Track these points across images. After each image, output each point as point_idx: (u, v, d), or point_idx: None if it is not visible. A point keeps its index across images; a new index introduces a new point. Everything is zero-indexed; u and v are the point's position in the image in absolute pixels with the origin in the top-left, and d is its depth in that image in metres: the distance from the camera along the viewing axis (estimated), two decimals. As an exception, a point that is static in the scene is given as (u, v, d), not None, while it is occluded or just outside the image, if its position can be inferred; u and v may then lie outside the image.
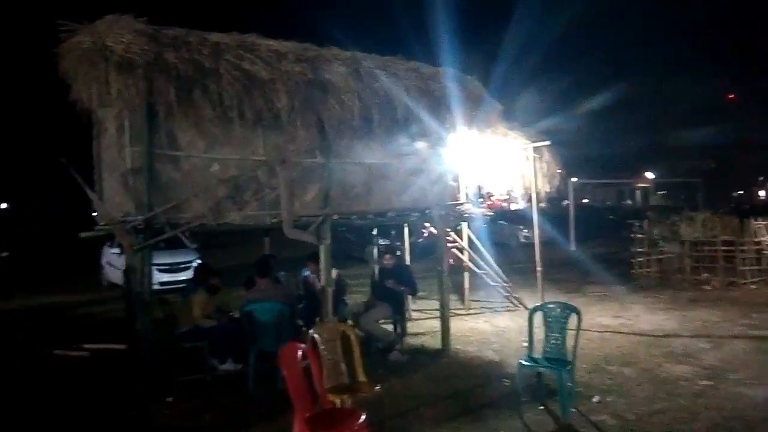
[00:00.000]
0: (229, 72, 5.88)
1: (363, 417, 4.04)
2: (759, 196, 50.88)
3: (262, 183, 6.24)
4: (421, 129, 6.81)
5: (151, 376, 5.76)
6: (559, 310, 5.56)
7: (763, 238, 11.86)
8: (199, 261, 11.87)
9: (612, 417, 5.06)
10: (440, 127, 6.90)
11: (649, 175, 45.84)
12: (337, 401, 4.56)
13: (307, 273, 7.76)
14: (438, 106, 6.85)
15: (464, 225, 9.68)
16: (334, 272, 7.07)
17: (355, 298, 9.19)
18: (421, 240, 14.17)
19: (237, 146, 6.24)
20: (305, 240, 6.32)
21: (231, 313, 7.24)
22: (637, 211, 24.42)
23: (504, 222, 22.07)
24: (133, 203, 5.73)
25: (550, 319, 5.56)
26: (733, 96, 53.04)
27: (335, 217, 6.48)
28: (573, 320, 5.40)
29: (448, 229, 8.90)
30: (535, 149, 8.22)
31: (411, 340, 7.93)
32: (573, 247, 19.91)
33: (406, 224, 9.14)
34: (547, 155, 8.48)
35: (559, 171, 9.36)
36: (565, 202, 23.53)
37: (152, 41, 5.56)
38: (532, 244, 9.79)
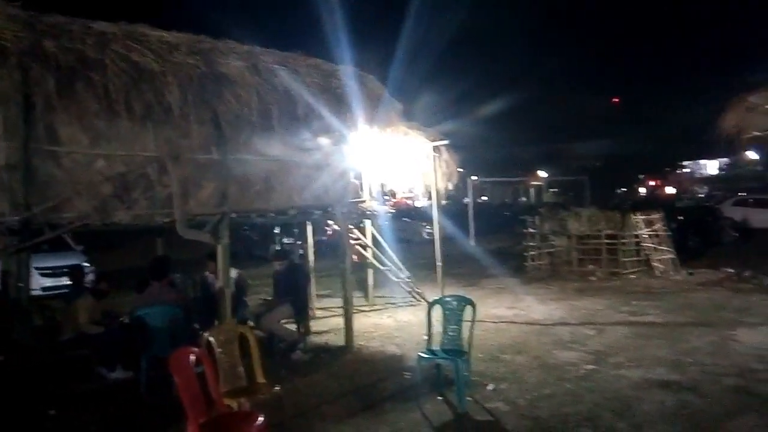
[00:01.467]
0: (116, 63, 5.53)
1: (261, 419, 3.95)
2: (639, 193, 55.43)
3: (153, 180, 5.93)
4: (322, 126, 6.76)
5: (31, 388, 5.31)
6: (455, 303, 5.73)
7: (641, 232, 12.91)
8: (86, 264, 11.11)
9: (505, 403, 5.30)
10: (341, 125, 6.89)
11: (542, 173, 48.53)
12: (235, 405, 4.44)
13: (205, 274, 7.49)
14: (338, 103, 6.84)
15: (368, 222, 9.77)
16: (233, 272, 6.88)
17: (258, 298, 9.00)
18: (325, 238, 14.14)
19: (124, 141, 5.87)
20: (201, 240, 6.08)
21: (121, 318, 6.84)
22: (531, 208, 25.75)
23: (408, 219, 22.53)
24: (7, 203, 5.25)
25: (447, 312, 5.73)
26: (617, 100, 57.39)
27: (233, 215, 6.29)
28: (470, 312, 5.60)
29: (352, 227, 8.93)
30: (435, 148, 8.44)
31: (315, 339, 7.89)
32: (472, 242, 20.65)
33: (309, 222, 9.06)
34: (445, 154, 8.73)
35: (461, 170, 9.67)
36: (466, 200, 24.37)
37: (28, 28, 5.12)
38: (433, 241, 10.05)
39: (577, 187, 36.25)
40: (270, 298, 7.64)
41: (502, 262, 14.66)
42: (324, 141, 6.91)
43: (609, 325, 8.16)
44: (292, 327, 7.46)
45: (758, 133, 12.55)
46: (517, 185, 52.86)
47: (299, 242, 9.24)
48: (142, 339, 5.95)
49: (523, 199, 51.26)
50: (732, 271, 12.36)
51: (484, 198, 51.52)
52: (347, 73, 7.02)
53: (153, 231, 7.38)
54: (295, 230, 8.89)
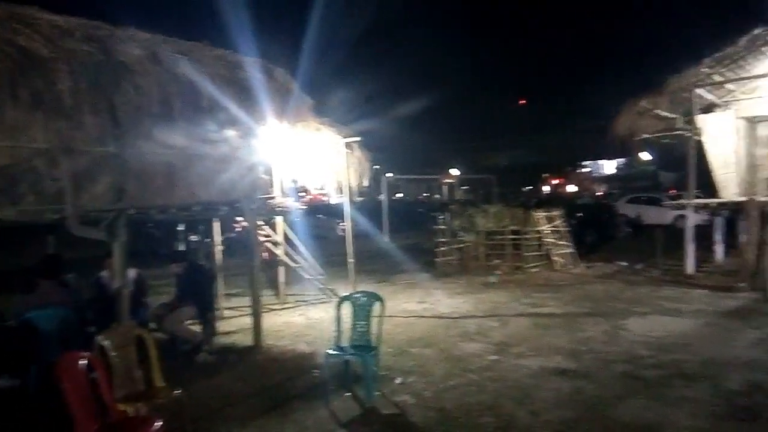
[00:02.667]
0: (0, 47, 5.11)
1: (158, 424, 3.79)
2: (543, 191, 58.28)
3: (42, 174, 5.51)
4: (228, 118, 6.56)
5: None
6: (365, 299, 5.76)
7: (543, 228, 13.55)
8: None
9: (412, 396, 5.38)
10: (249, 118, 6.72)
11: (455, 171, 49.86)
12: (130, 410, 4.22)
13: (101, 274, 7.05)
14: (245, 95, 6.66)
15: (279, 219, 9.61)
16: (132, 272, 6.54)
17: (161, 299, 8.61)
18: (233, 235, 13.77)
19: (9, 132, 5.42)
20: (96, 237, 5.73)
21: (7, 322, 6.30)
22: (443, 205, 26.42)
23: (322, 216, 22.39)
24: None
25: (356, 308, 5.74)
26: (523, 101, 60.01)
27: (132, 212, 5.97)
28: (379, 308, 5.64)
29: (262, 224, 8.75)
30: (347, 145, 8.43)
31: (221, 340, 7.65)
32: (386, 238, 20.88)
33: (215, 219, 8.77)
34: (358, 151, 8.75)
35: (377, 167, 9.71)
36: (381, 197, 24.57)
37: None
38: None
39: (487, 185, 37.56)
40: (172, 299, 7.32)
41: (414, 258, 14.93)
42: (230, 134, 6.70)
43: (512, 317, 8.50)
44: (197, 328, 7.19)
45: (648, 135, 13.57)
46: (431, 183, 54.00)
47: (206, 240, 8.90)
48: (31, 344, 5.51)
49: (437, 196, 52.41)
50: (625, 264, 13.26)
51: (400, 195, 52.25)
52: (255, 64, 6.85)
53: (43, 228, 6.86)
54: (201, 227, 8.57)
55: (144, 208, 6.18)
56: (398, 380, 5.82)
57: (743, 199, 11.22)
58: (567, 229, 13.92)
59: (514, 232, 13.47)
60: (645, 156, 48.48)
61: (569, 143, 51.92)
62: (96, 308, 6.78)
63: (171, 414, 4.43)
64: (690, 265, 11.65)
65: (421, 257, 14.74)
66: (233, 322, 8.69)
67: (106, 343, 4.49)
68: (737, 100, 13.39)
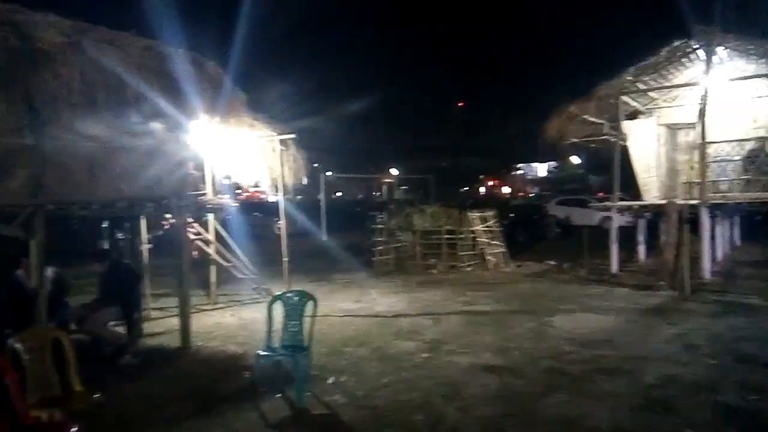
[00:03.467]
0: None
1: (73, 429, 3.60)
2: (480, 192, 59.63)
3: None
4: (156, 111, 6.31)
5: None
6: (297, 298, 5.69)
7: (476, 228, 13.83)
8: None
9: (343, 396, 5.36)
10: (178, 111, 6.49)
11: (394, 171, 50.20)
12: (45, 416, 3.99)
13: (17, 272, 6.64)
14: (174, 88, 6.42)
15: (210, 216, 9.35)
16: (50, 271, 6.18)
17: (84, 299, 8.20)
18: (161, 233, 13.29)
19: None
20: (10, 234, 5.40)
21: None
22: (382, 204, 26.55)
23: (259, 213, 22.03)
24: None
25: (288, 308, 5.66)
26: (462, 104, 61.10)
27: (50, 207, 5.65)
28: (311, 308, 5.59)
29: (192, 221, 8.48)
30: (282, 142, 8.30)
31: (148, 341, 7.37)
32: (325, 237, 20.79)
33: (142, 215, 8.42)
34: (294, 148, 8.64)
35: (316, 165, 9.60)
36: (320, 195, 24.44)
37: None
38: (288, 236, 9.90)
39: (425, 185, 38.03)
40: (95, 300, 6.98)
41: (352, 257, 14.94)
42: (157, 127, 6.44)
43: (445, 314, 8.63)
44: (122, 330, 6.90)
45: (576, 140, 14.12)
46: (371, 182, 54.15)
47: (132, 237, 8.54)
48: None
49: (377, 195, 52.61)
50: (554, 263, 13.74)
51: (339, 193, 52.14)
52: (184, 56, 6.62)
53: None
54: (127, 224, 8.22)
55: (64, 203, 5.87)
56: (330, 380, 5.78)
57: (663, 201, 11.84)
58: (500, 229, 14.28)
59: (449, 232, 13.70)
60: (575, 160, 50.53)
61: (505, 146, 53.24)
62: (11, 309, 6.38)
63: (90, 419, 4.22)
64: (614, 265, 12.20)
65: (359, 256, 14.75)
66: (161, 323, 8.38)
67: (18, 346, 4.23)
68: (659, 108, 14.17)
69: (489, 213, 14.30)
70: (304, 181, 10.44)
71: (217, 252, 9.37)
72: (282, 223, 8.36)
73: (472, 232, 13.72)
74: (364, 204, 35.78)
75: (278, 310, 5.69)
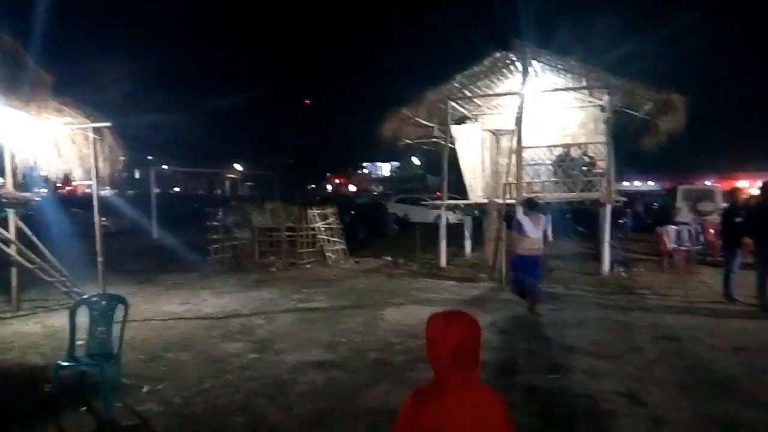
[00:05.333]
0: None
1: None
2: (327, 190, 60.09)
3: None
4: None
5: None
6: (105, 302, 5.22)
7: (317, 224, 13.87)
8: None
9: (159, 404, 5.02)
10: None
11: (238, 167, 48.73)
12: None
13: None
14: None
15: (11, 213, 8.24)
16: None
17: None
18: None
19: None
20: None
21: None
22: (223, 200, 25.58)
23: (79, 209, 19.99)
24: None
25: (95, 313, 5.17)
26: (309, 101, 61.02)
27: None
28: (122, 312, 5.15)
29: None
30: (96, 131, 7.53)
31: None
32: (155, 235, 19.51)
33: None
34: (110, 138, 7.88)
35: (150, 158, 8.84)
36: (156, 190, 22.89)
37: None
38: (114, 234, 9.05)
39: (270, 181, 37.41)
40: None
41: (184, 255, 14.16)
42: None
43: (279, 313, 8.51)
44: None
45: (410, 141, 14.75)
46: (213, 177, 51.93)
47: None
48: None
49: (219, 191, 50.65)
50: (390, 259, 14.23)
51: (177, 189, 49.29)
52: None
53: None
54: None
55: None
56: (145, 388, 5.39)
57: (485, 200, 12.81)
58: (340, 226, 14.46)
59: (289, 229, 13.57)
60: (416, 160, 53.03)
61: (351, 145, 54.19)
62: None
63: None
64: (443, 259, 12.95)
65: (192, 255, 14.01)
66: (-55, 335, 7.24)
67: None
68: (484, 114, 15.30)
69: (329, 210, 14.41)
70: (124, 173, 9.61)
71: (19, 252, 8.28)
72: (96, 219, 7.59)
73: (313, 228, 13.73)
74: (203, 200, 34.17)
75: (84, 315, 5.17)
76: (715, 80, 38.38)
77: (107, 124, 7.39)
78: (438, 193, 30.61)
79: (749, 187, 23.86)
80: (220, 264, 13.12)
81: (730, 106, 39.58)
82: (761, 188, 8.59)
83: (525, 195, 10.80)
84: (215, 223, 13.74)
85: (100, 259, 7.54)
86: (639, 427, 4.43)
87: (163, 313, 8.48)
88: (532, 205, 8.63)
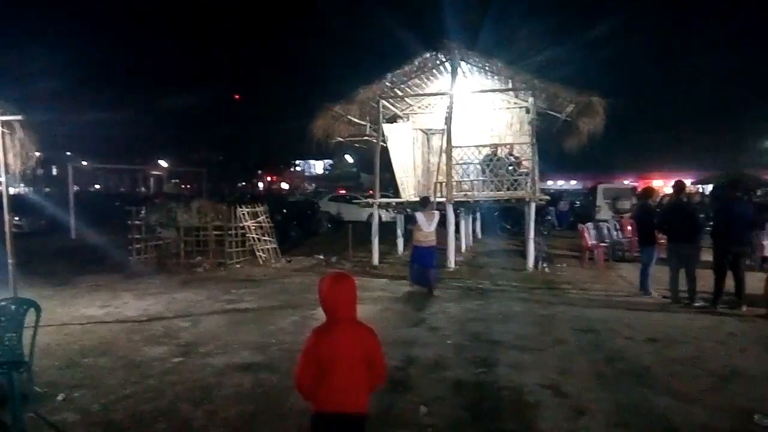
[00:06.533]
0: None
1: None
2: (259, 187, 59.03)
3: None
4: None
5: None
6: (14, 306, 4.89)
7: (247, 223, 13.58)
8: None
9: (75, 412, 4.77)
10: None
11: (164, 163, 47.02)
12: None
13: None
14: None
15: None
16: None
17: None
18: None
19: None
20: None
21: None
22: (147, 198, 24.61)
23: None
24: None
25: (4, 318, 4.83)
26: (238, 96, 59.67)
27: None
28: (34, 316, 4.85)
29: None
30: (5, 124, 7.01)
31: None
32: (74, 235, 18.53)
33: None
34: (21, 132, 7.36)
35: (68, 154, 8.25)
36: (74, 188, 21.70)
37: None
38: (29, 234, 8.46)
39: (199, 178, 36.35)
40: None
41: (105, 256, 13.52)
42: None
43: (205, 315, 8.26)
44: None
45: (341, 139, 14.71)
46: (136, 174, 49.81)
47: None
48: None
49: (142, 188, 48.67)
50: (322, 257, 14.13)
51: (98, 186, 47.01)
52: None
53: None
54: None
55: None
56: (61, 397, 5.10)
57: (417, 199, 12.96)
58: (271, 224, 14.23)
59: (218, 228, 13.22)
60: (349, 159, 53.03)
61: (283, 142, 53.42)
62: None
63: None
64: (375, 257, 13.01)
65: (114, 256, 13.38)
66: None
67: None
68: (415, 114, 15.48)
69: (260, 208, 14.15)
70: (38, 170, 9.02)
71: None
72: (6, 218, 7.08)
73: (242, 227, 13.43)
74: (127, 198, 32.73)
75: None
76: (632, 85, 40.65)
77: (18, 117, 6.91)
78: (371, 191, 30.80)
79: (663, 186, 25.46)
80: (144, 265, 12.60)
81: (647, 109, 42.04)
82: (673, 187, 9.13)
83: (422, 194, 11.31)
84: (138, 222, 13.18)
85: (11, 261, 7.05)
86: (561, 418, 4.60)
87: (81, 317, 8.05)
88: (425, 203, 10.00)
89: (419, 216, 9.70)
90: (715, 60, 47.34)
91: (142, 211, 13.44)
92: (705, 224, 9.62)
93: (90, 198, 29.97)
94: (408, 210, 14.23)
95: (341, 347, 2.85)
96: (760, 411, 4.61)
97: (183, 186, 48.76)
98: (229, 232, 13.23)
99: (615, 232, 13.69)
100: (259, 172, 62.03)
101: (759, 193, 19.66)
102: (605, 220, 14.18)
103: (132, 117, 41.37)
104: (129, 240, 13.07)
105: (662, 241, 9.28)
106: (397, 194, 15.07)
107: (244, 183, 58.08)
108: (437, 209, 10.51)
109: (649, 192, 10.19)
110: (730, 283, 8.25)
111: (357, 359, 2.87)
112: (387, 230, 14.70)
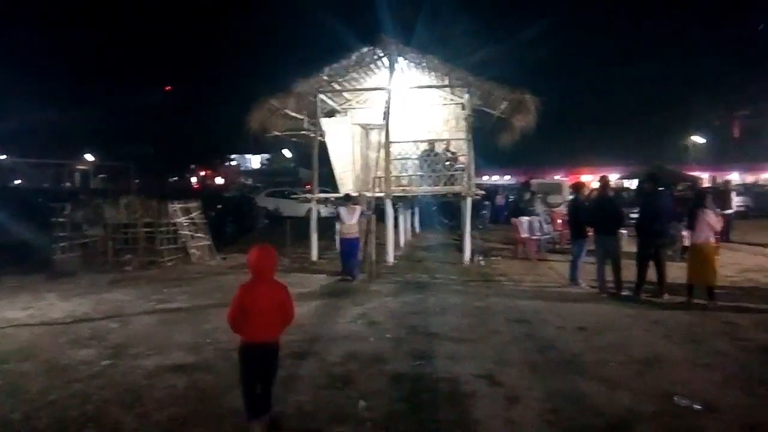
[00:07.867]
0: None
1: None
2: (192, 182, 57.16)
3: None
4: None
5: None
6: None
7: (179, 220, 13.15)
8: None
9: (-8, 423, 4.49)
10: None
11: (90, 157, 44.85)
12: None
13: None
14: None
15: None
16: None
17: None
18: None
19: None
20: None
21: None
22: (72, 194, 23.32)
23: None
24: None
25: None
26: (170, 88, 57.63)
27: None
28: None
29: None
30: None
31: None
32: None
33: None
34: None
35: None
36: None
37: None
38: None
39: (128, 173, 34.90)
40: None
41: (25, 256, 12.77)
42: None
43: (135, 315, 7.95)
44: None
45: (278, 133, 14.49)
46: (60, 168, 47.18)
47: None
48: None
49: (68, 184, 46.17)
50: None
51: (18, 182, 44.23)
52: None
53: None
54: None
55: None
56: (-24, 406, 4.79)
57: (356, 194, 12.95)
58: (205, 221, 13.84)
59: (148, 225, 12.74)
60: (287, 153, 52.33)
61: (217, 135, 51.97)
62: None
63: None
64: (314, 253, 12.93)
65: (35, 255, 12.67)
66: None
67: None
68: (353, 108, 15.46)
69: (193, 204, 13.73)
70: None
71: None
72: None
73: (174, 224, 13.00)
74: (49, 194, 30.93)
75: None
76: (563, 84, 42.13)
77: None
78: (309, 186, 30.49)
79: (592, 180, 26.58)
80: (69, 264, 11.98)
81: (576, 108, 43.74)
82: (599, 182, 9.54)
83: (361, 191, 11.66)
84: (62, 220, 12.52)
85: None
86: (496, 407, 4.72)
87: (1, 320, 7.58)
88: (347, 198, 11.26)
89: (342, 210, 10.98)
90: (641, 61, 49.96)
91: (67, 208, 12.75)
92: (627, 217, 10.12)
93: (10, 194, 28.15)
94: (334, 206, 14.25)
95: (260, 297, 4.12)
96: (680, 393, 4.90)
97: (111, 181, 46.63)
98: (161, 229, 12.78)
99: (546, 226, 14.17)
100: (192, 166, 60.08)
101: (680, 187, 20.88)
102: (537, 214, 14.65)
103: (56, 109, 39.18)
104: (53, 238, 12.39)
105: (590, 233, 9.69)
106: (335, 189, 15.00)
107: (176, 178, 56.09)
108: (377, 204, 10.62)
109: (579, 186, 10.60)
110: (652, 273, 8.71)
111: (272, 306, 4.13)
112: (326, 226, 14.60)
